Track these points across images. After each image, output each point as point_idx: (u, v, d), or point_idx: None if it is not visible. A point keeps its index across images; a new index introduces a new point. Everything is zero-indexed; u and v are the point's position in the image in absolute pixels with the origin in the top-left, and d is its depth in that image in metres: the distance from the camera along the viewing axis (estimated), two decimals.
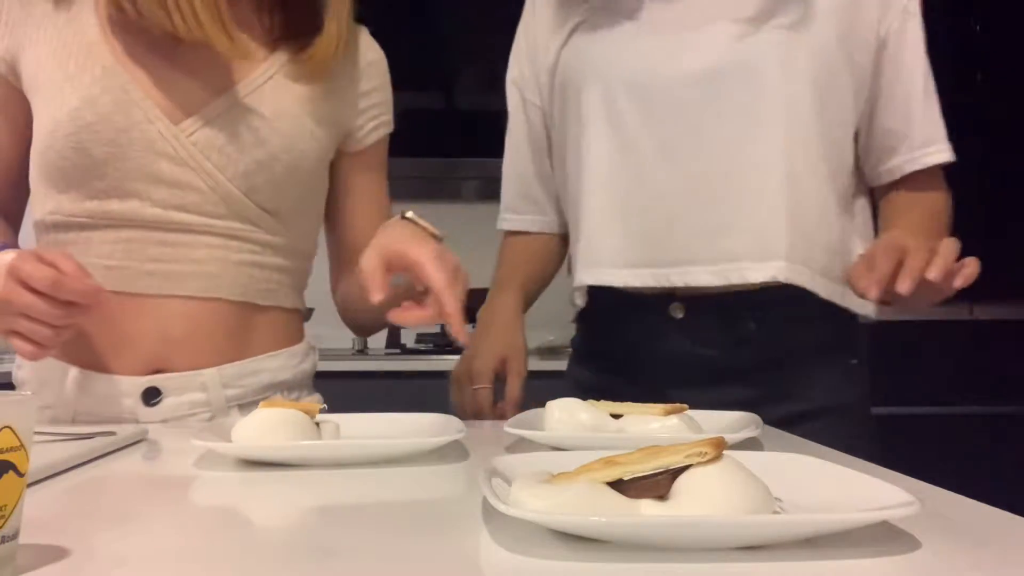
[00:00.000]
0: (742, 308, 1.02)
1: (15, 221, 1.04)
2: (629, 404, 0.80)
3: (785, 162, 0.99)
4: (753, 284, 1.00)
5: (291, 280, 1.05)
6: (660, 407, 0.77)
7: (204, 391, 0.96)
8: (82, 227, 0.94)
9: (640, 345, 1.07)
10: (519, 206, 1.25)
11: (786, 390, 1.03)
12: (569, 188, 1.13)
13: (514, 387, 1.11)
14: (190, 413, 0.96)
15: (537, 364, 2.49)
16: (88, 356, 0.95)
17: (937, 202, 1.10)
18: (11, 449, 0.41)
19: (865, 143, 1.09)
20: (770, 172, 1.00)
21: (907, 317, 2.15)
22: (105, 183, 0.92)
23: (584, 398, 0.80)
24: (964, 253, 0.90)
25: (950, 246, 0.86)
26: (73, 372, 0.94)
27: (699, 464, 0.47)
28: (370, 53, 1.10)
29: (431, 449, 0.73)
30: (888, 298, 0.87)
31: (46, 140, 0.92)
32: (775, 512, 0.47)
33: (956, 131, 1.11)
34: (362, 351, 2.59)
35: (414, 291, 0.85)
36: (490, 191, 3.09)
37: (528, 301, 1.24)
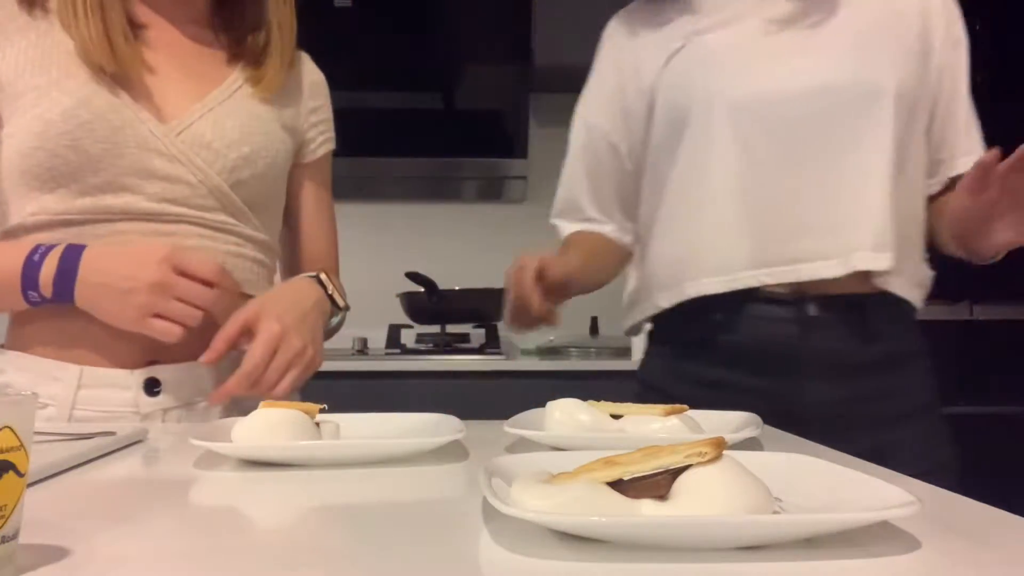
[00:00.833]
0: (866, 305, 1.10)
1: None
2: (629, 405, 0.81)
3: (890, 165, 1.08)
4: (874, 287, 1.10)
5: (267, 275, 1.11)
6: (660, 407, 0.77)
7: (200, 380, 1.00)
8: (71, 224, 0.96)
9: (761, 339, 1.12)
10: (576, 216, 1.31)
11: (900, 386, 1.11)
12: (670, 202, 1.17)
13: (556, 267, 1.10)
14: (190, 401, 1.00)
15: (537, 364, 2.50)
16: (85, 351, 0.97)
17: None
18: (11, 449, 0.41)
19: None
20: (878, 173, 1.09)
21: None
22: (100, 178, 0.95)
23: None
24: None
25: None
26: (72, 368, 0.96)
27: (699, 464, 0.47)
28: (314, 75, 1.18)
29: (431, 449, 0.73)
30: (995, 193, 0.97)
31: (33, 141, 0.94)
32: (775, 512, 0.47)
33: None
34: (362, 351, 2.59)
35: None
36: (490, 191, 3.11)
37: (585, 263, 1.23)
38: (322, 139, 1.17)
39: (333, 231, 1.20)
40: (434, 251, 2.87)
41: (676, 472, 0.47)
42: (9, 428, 0.41)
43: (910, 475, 0.64)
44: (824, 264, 1.09)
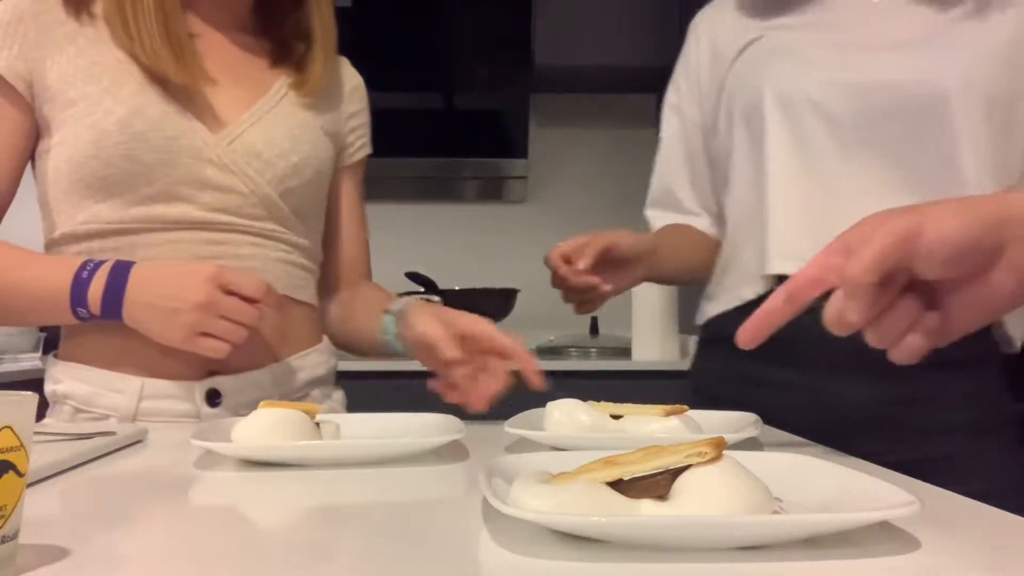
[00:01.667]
0: None
1: None
2: (629, 405, 0.81)
3: (951, 167, 1.04)
4: None
5: (312, 280, 1.11)
6: (660, 408, 0.77)
7: (259, 389, 1.00)
8: (124, 232, 0.96)
9: (815, 335, 1.10)
10: (671, 207, 1.27)
11: (967, 392, 1.04)
12: (738, 192, 1.15)
13: (625, 241, 1.07)
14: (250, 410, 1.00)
15: (537, 364, 2.48)
16: (144, 363, 0.96)
17: None
18: (11, 449, 0.41)
19: None
20: (945, 174, 1.04)
21: None
22: (153, 188, 0.96)
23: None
24: None
25: None
26: (134, 380, 0.96)
27: (699, 464, 0.47)
28: (354, 79, 1.19)
29: (431, 449, 0.73)
30: None
31: (87, 150, 0.94)
32: (775, 512, 0.47)
33: None
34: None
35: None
36: (490, 191, 3.11)
37: (660, 247, 1.18)
38: (360, 143, 1.18)
39: (365, 235, 1.20)
40: (434, 251, 2.87)
41: (676, 472, 0.47)
42: (9, 428, 0.41)
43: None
44: None
